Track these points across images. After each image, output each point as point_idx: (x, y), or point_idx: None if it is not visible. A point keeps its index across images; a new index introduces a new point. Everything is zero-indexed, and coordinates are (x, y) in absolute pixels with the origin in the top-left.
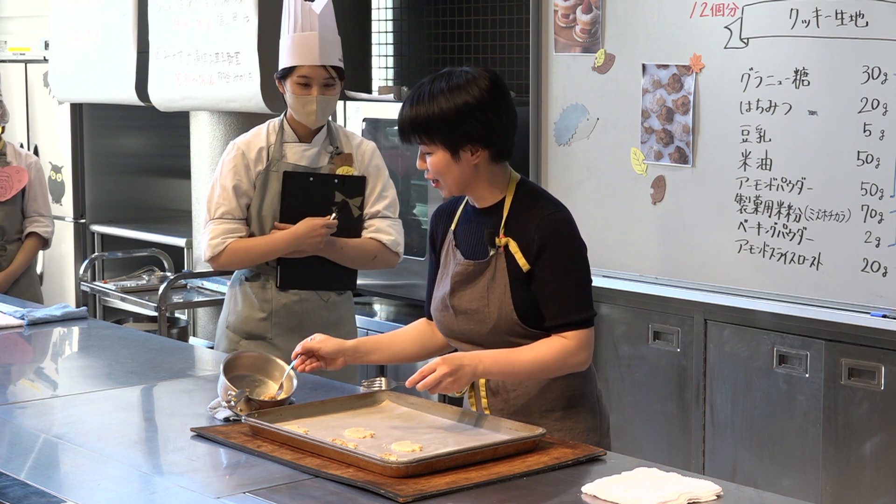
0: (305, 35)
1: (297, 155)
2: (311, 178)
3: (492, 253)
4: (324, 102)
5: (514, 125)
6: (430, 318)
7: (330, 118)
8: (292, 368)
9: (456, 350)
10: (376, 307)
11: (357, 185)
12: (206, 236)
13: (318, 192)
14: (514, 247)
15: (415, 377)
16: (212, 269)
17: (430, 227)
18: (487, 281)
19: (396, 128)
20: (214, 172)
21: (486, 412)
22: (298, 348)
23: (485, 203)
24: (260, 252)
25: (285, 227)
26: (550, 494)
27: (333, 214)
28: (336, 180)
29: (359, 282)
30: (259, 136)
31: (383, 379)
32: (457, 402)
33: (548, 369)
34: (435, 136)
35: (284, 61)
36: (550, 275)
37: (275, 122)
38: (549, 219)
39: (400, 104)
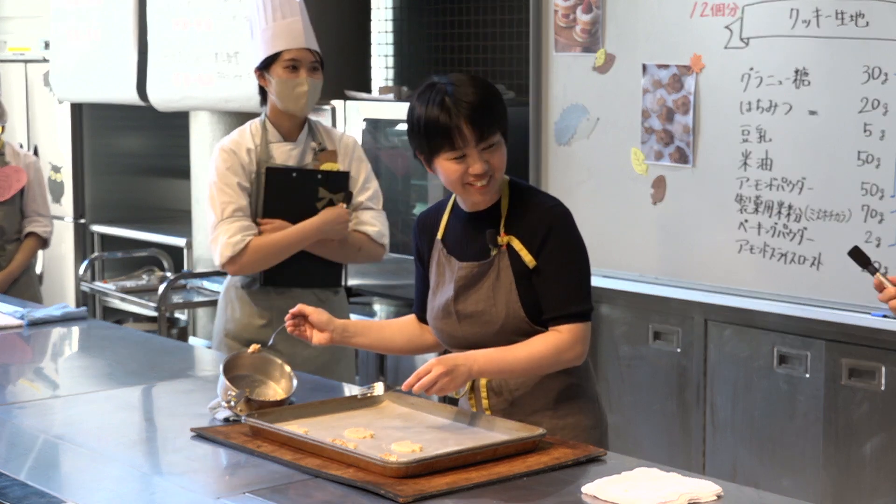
0: (288, 21)
1: (284, 155)
2: (294, 174)
3: (494, 252)
4: (313, 86)
5: None
6: (420, 318)
7: (308, 117)
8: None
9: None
10: (375, 307)
11: (340, 181)
12: (223, 237)
13: (301, 187)
14: (517, 244)
15: (410, 380)
16: (214, 271)
17: (414, 238)
18: (492, 281)
19: (406, 128)
20: (209, 178)
21: (487, 412)
22: (294, 310)
23: (479, 207)
24: (287, 243)
25: (269, 222)
26: (550, 494)
27: (344, 205)
28: (319, 176)
29: (357, 281)
30: (244, 136)
31: (380, 384)
32: (454, 403)
33: (542, 365)
34: (501, 121)
35: (268, 49)
36: (552, 266)
37: (255, 122)
38: (551, 211)
39: (399, 103)
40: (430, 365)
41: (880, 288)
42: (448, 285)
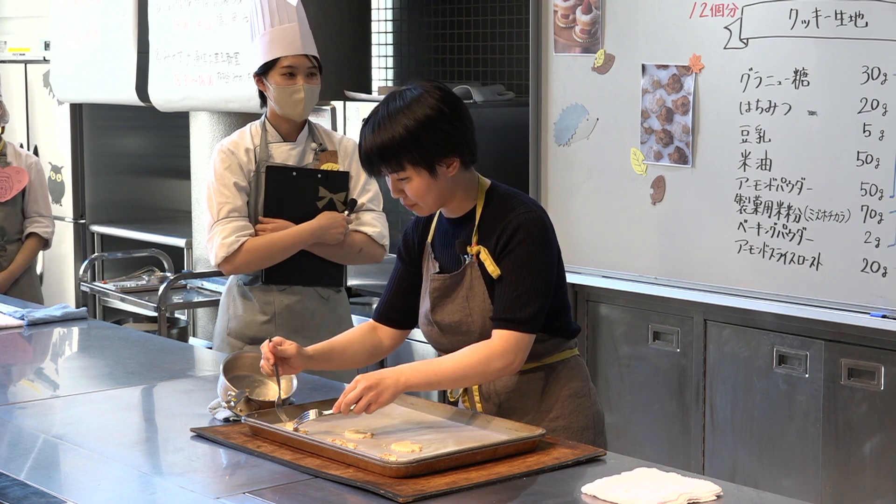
0: (285, 27)
1: (284, 154)
2: (294, 173)
3: (466, 262)
4: (310, 92)
5: (474, 127)
6: (380, 320)
7: (309, 118)
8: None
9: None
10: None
11: (340, 181)
12: (217, 237)
13: (301, 186)
14: (484, 254)
15: (338, 402)
16: (214, 271)
17: (406, 234)
18: (465, 291)
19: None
20: (207, 179)
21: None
22: (275, 341)
23: (457, 213)
24: (282, 246)
25: (269, 221)
26: (550, 495)
27: (347, 212)
28: (319, 175)
29: (357, 282)
30: (244, 137)
31: (313, 410)
32: (454, 404)
33: (470, 374)
34: (407, 157)
35: (266, 55)
36: (506, 271)
37: (255, 124)
38: (518, 218)
39: None
40: (355, 382)
41: None
42: (426, 295)
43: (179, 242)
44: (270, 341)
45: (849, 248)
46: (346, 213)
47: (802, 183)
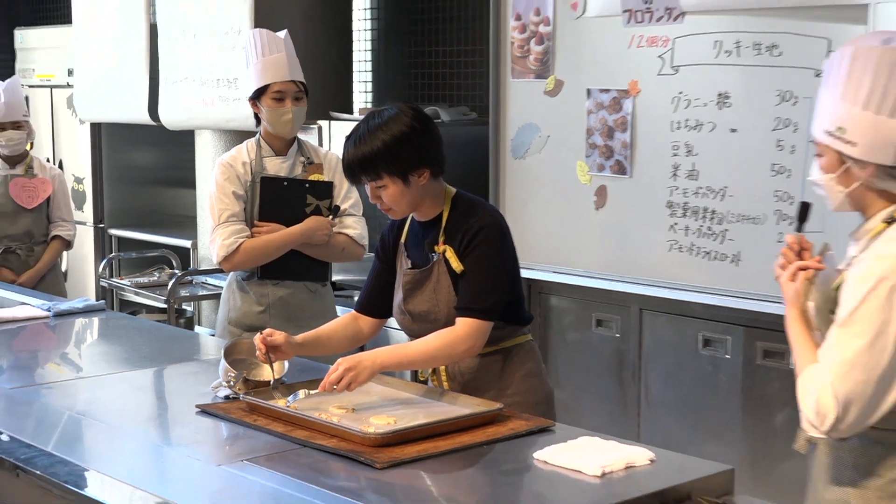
0: (275, 57)
1: (276, 167)
2: (286, 183)
3: (434, 259)
4: (297, 113)
5: (442, 143)
6: (360, 311)
7: (298, 135)
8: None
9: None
10: (356, 299)
11: (325, 189)
12: (218, 239)
13: (291, 194)
14: (450, 253)
15: (323, 382)
16: (216, 268)
17: (383, 236)
18: (433, 284)
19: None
20: (209, 188)
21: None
22: (265, 334)
23: (426, 217)
24: (275, 246)
25: (264, 225)
26: (507, 460)
27: (331, 216)
28: (307, 185)
29: (340, 277)
30: (241, 152)
31: (304, 390)
32: (424, 383)
33: (437, 356)
34: (384, 168)
35: (258, 81)
36: (469, 267)
37: (251, 141)
38: (479, 222)
39: None
40: (337, 364)
41: (788, 252)
42: (399, 288)
43: (186, 243)
44: (262, 333)
45: (764, 247)
46: (331, 217)
47: (725, 191)
